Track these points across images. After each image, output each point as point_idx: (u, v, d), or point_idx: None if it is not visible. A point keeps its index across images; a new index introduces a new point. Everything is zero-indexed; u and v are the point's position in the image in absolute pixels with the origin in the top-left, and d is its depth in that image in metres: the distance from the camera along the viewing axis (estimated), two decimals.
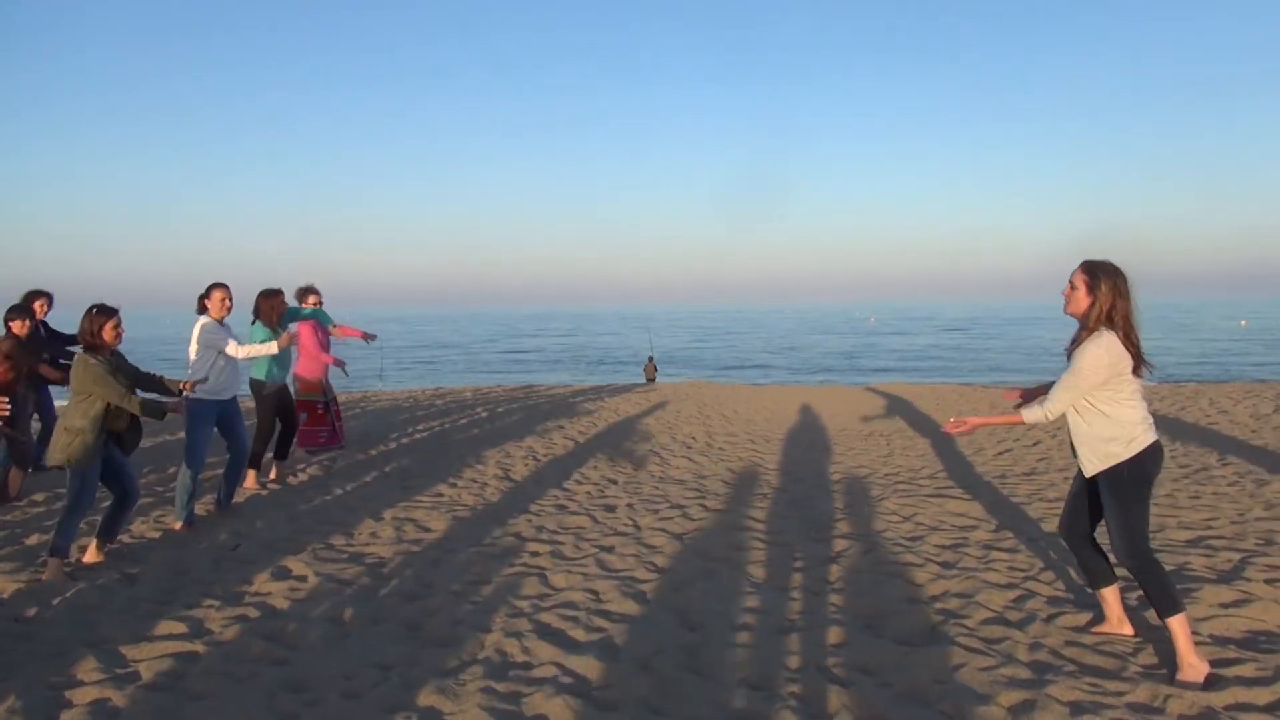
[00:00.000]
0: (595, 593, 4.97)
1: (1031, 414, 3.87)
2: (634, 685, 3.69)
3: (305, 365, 8.99)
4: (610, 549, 5.90)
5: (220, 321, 6.65)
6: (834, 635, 4.22)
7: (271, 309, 7.62)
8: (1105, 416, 3.73)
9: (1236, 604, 4.39)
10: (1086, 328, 3.74)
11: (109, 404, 5.23)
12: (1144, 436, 3.71)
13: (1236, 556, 5.20)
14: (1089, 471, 3.82)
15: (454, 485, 8.01)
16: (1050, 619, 4.35)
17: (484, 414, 13.72)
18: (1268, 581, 4.67)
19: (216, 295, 6.63)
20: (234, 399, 6.76)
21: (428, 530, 6.38)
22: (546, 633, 4.33)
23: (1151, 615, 4.23)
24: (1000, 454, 9.70)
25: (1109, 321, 3.67)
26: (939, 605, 4.62)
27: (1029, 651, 3.95)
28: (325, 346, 8.96)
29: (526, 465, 9.14)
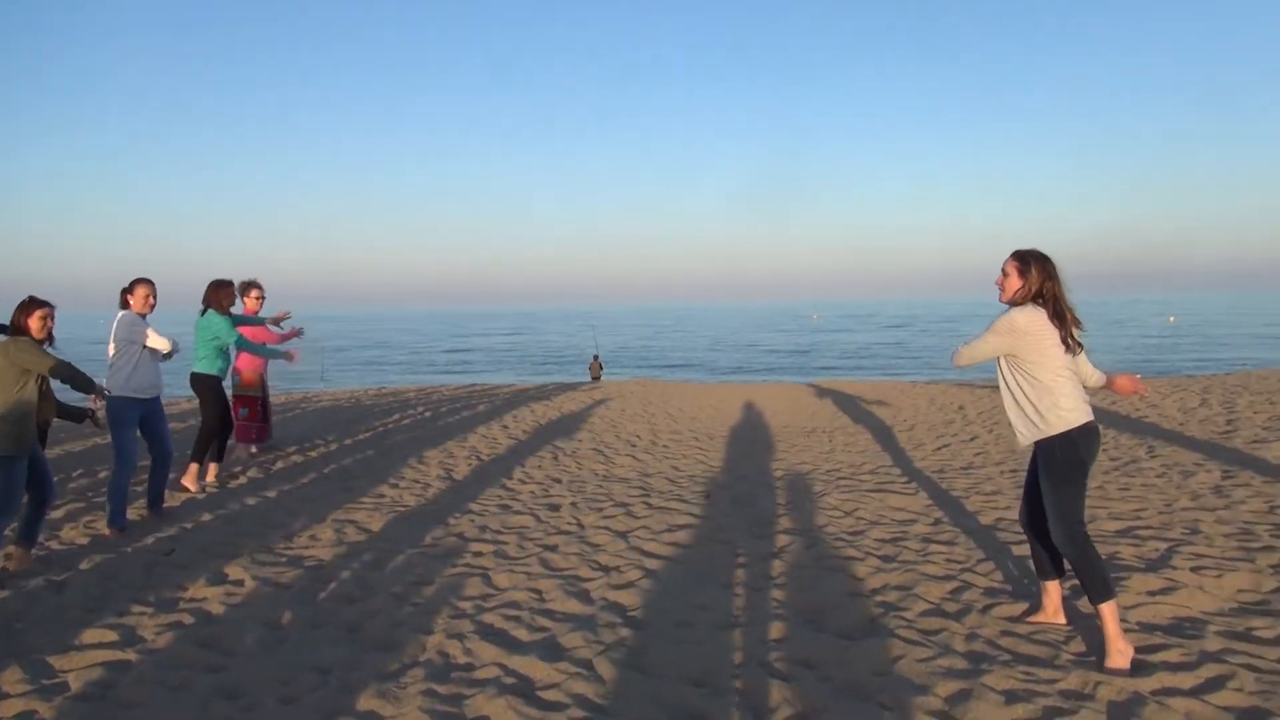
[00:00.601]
0: (538, 592, 4.95)
1: (957, 354, 4.05)
2: (577, 684, 3.68)
3: (247, 360, 8.89)
4: (554, 548, 5.89)
5: (142, 317, 6.49)
6: (776, 630, 4.25)
7: (224, 299, 7.63)
8: (1033, 388, 3.84)
9: (1163, 591, 4.52)
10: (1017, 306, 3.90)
11: (40, 387, 5.16)
12: (1075, 415, 3.80)
13: (1164, 546, 5.35)
14: (1020, 442, 3.93)
15: (395, 486, 7.92)
16: (986, 610, 4.44)
17: (427, 414, 13.59)
18: (1193, 570, 4.82)
19: (140, 291, 6.45)
20: (157, 399, 6.58)
21: (368, 531, 6.30)
22: (489, 633, 4.30)
23: (1083, 604, 4.34)
24: (939, 449, 9.87)
25: (1037, 299, 3.84)
26: (879, 598, 4.68)
27: (965, 642, 4.03)
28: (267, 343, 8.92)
29: (470, 465, 9.07)
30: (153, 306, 6.55)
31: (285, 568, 5.39)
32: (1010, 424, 4.00)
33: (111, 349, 6.40)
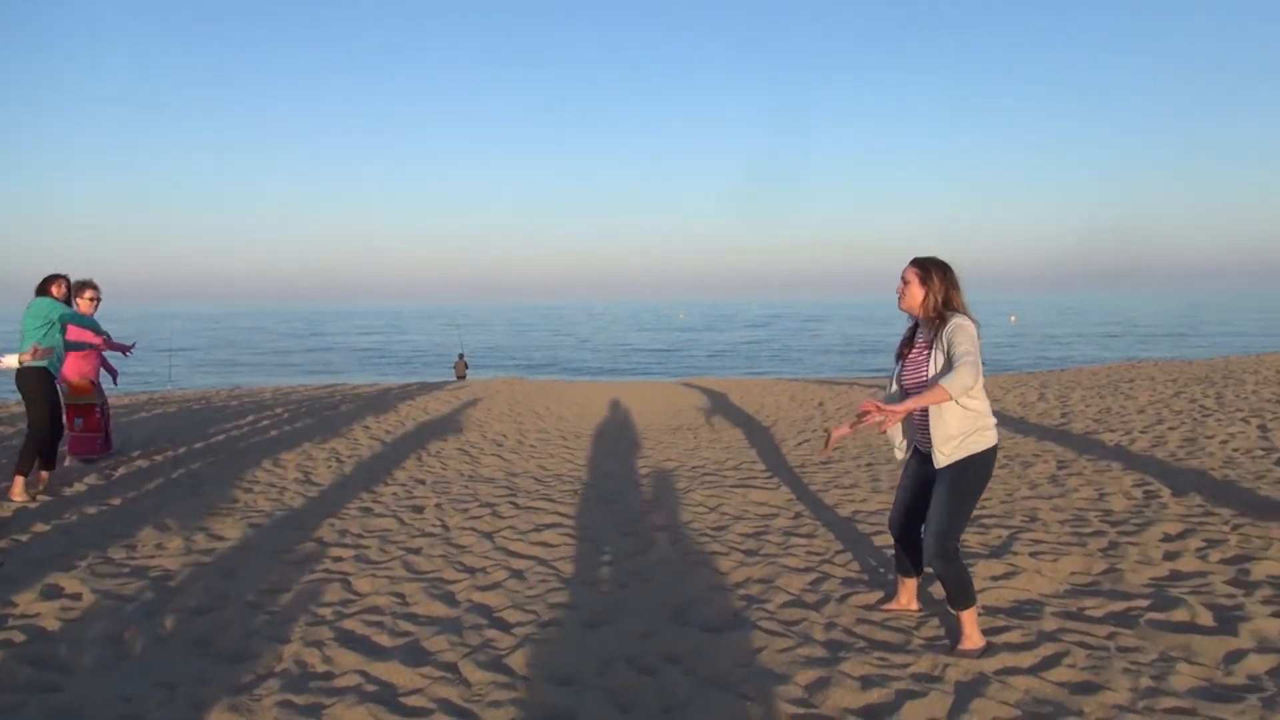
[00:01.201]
0: (401, 596, 4.84)
1: (938, 391, 3.59)
2: (441, 689, 3.62)
3: (75, 365, 8.29)
4: (418, 550, 5.77)
5: None
6: (641, 626, 4.29)
7: (55, 289, 7.27)
8: (965, 408, 3.72)
9: (1005, 576, 4.78)
10: (928, 319, 3.81)
11: None
12: (992, 433, 3.79)
13: (1005, 533, 5.66)
14: (941, 463, 3.76)
15: (249, 490, 7.59)
16: (844, 599, 4.59)
17: (284, 414, 13.10)
18: (1032, 555, 5.12)
19: None
20: None
21: (220, 539, 6.02)
22: (349, 640, 4.18)
23: (936, 589, 4.55)
24: (800, 444, 10.16)
25: (951, 308, 3.76)
26: (742, 592, 4.78)
27: (824, 631, 4.16)
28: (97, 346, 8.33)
29: (329, 468, 8.79)
30: None
31: (128, 579, 5.09)
32: (938, 439, 3.76)
33: None
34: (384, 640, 4.18)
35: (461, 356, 27.45)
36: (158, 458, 9.07)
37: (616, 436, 11.59)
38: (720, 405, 14.85)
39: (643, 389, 20.30)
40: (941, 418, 3.73)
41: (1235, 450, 8.04)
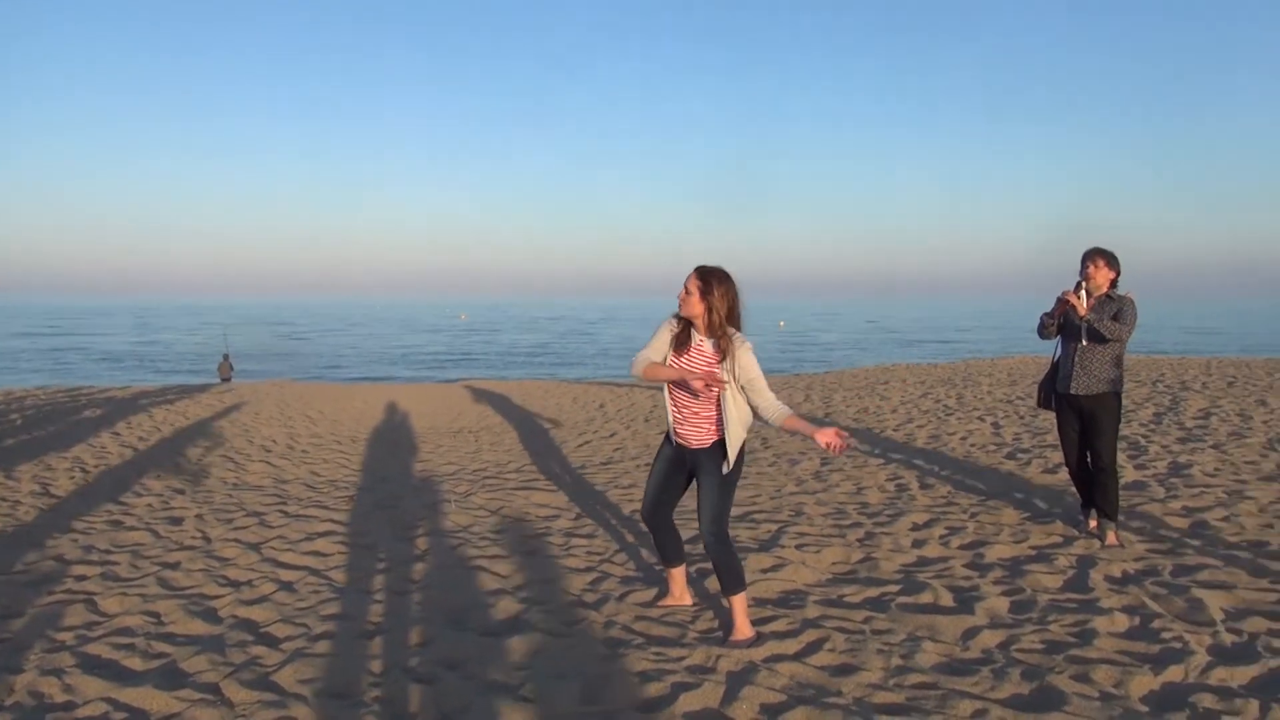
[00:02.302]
0: (156, 615, 4.49)
1: (775, 411, 3.94)
2: (201, 712, 3.38)
3: None
4: (175, 565, 5.37)
5: None
6: (418, 634, 4.19)
7: None
8: (741, 408, 3.99)
9: (774, 569, 5.03)
10: (713, 333, 3.96)
11: None
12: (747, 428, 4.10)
13: (774, 527, 5.96)
14: (730, 455, 3.98)
15: None
16: (622, 597, 4.68)
17: (17, 421, 11.81)
18: (798, 547, 5.41)
19: None
20: None
21: None
22: (94, 665, 3.83)
23: (710, 583, 4.72)
24: (581, 446, 10.26)
25: (732, 322, 3.97)
26: (523, 594, 4.77)
27: (604, 629, 4.21)
28: None
29: (72, 479, 8.02)
30: None
31: None
32: (701, 435, 4.03)
33: None
34: (135, 664, 3.86)
35: (226, 357, 25.80)
36: None
37: (394, 440, 11.28)
38: (502, 407, 14.77)
39: (422, 391, 19.86)
40: (733, 417, 3.96)
41: (973, 445, 8.86)
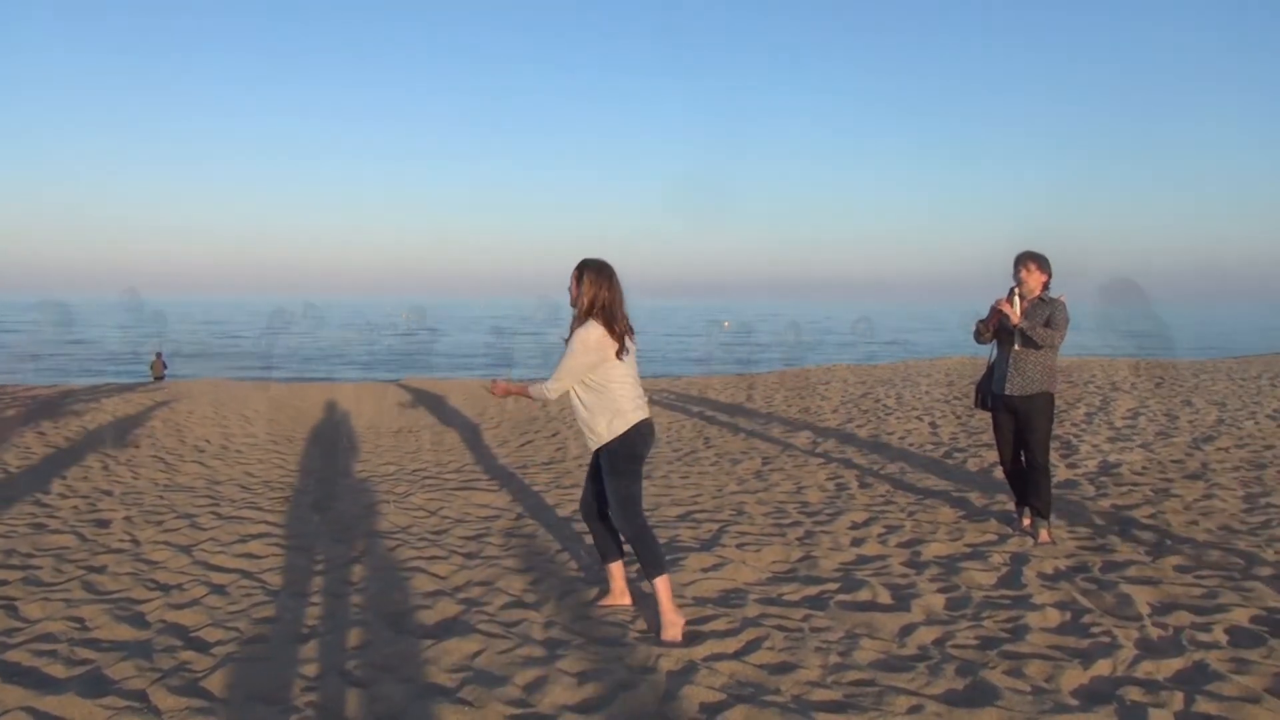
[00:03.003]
0: (80, 620, 4.35)
1: (536, 389, 4.19)
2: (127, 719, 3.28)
3: None
4: (102, 569, 5.21)
5: None
6: (355, 637, 4.12)
7: None
8: (599, 397, 4.09)
9: (715, 567, 5.04)
10: (578, 318, 4.12)
11: None
12: (633, 415, 4.12)
13: (715, 526, 5.97)
14: (592, 446, 4.19)
15: None
16: (563, 598, 4.65)
17: None
18: (738, 546, 5.44)
19: None
20: None
21: None
22: (13, 673, 3.69)
23: (648, 585, 4.71)
24: (523, 445, 10.20)
25: (593, 311, 4.08)
26: (461, 595, 4.72)
27: (544, 630, 4.18)
28: None
29: None
30: None
31: None
32: (583, 429, 4.20)
33: None
34: (57, 671, 3.73)
35: (159, 355, 25.16)
36: None
37: (333, 440, 11.08)
38: (443, 407, 14.62)
39: (361, 390, 19.55)
40: (578, 405, 4.16)
41: (911, 445, 8.99)
